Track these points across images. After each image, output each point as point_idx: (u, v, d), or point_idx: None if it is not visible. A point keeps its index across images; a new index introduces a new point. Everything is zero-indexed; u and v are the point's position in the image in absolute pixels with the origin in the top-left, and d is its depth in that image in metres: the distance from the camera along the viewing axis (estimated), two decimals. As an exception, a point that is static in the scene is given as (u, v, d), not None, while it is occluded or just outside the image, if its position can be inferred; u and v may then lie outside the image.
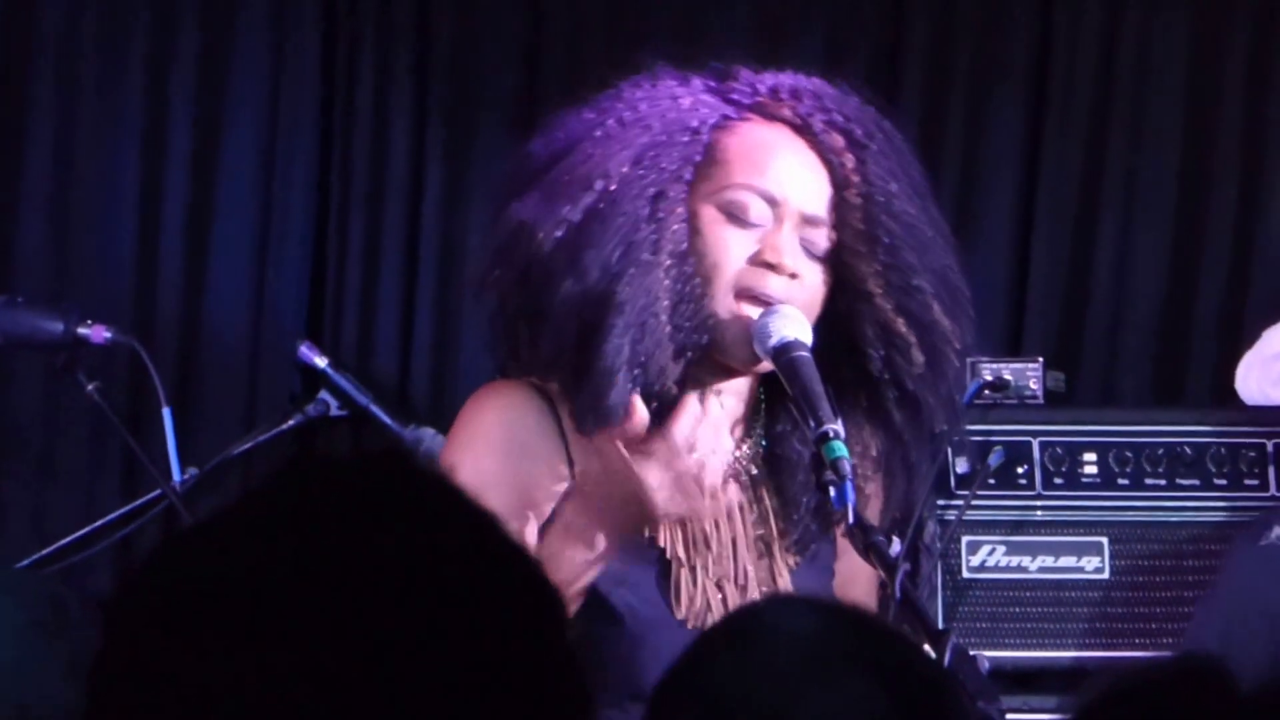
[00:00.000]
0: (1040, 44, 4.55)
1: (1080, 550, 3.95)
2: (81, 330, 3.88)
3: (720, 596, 2.77)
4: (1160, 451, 3.99)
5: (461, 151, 4.63)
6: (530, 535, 2.70)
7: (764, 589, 2.79)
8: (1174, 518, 3.87)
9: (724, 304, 2.69)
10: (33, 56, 4.57)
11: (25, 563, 3.99)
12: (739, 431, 2.77)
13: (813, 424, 2.61)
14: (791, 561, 2.80)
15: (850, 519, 2.57)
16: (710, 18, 4.50)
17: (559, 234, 2.67)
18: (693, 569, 2.76)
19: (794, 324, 2.66)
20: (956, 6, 4.57)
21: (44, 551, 4.04)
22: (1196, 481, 3.90)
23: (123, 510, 4.07)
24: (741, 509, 2.79)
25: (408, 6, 4.59)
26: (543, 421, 2.75)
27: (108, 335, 3.88)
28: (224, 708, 1.30)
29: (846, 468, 2.58)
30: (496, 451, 2.72)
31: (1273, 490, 3.87)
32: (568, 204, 2.68)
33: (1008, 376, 4.03)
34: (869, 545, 2.57)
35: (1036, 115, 4.55)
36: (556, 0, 4.62)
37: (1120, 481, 3.98)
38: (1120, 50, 4.55)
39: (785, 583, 2.79)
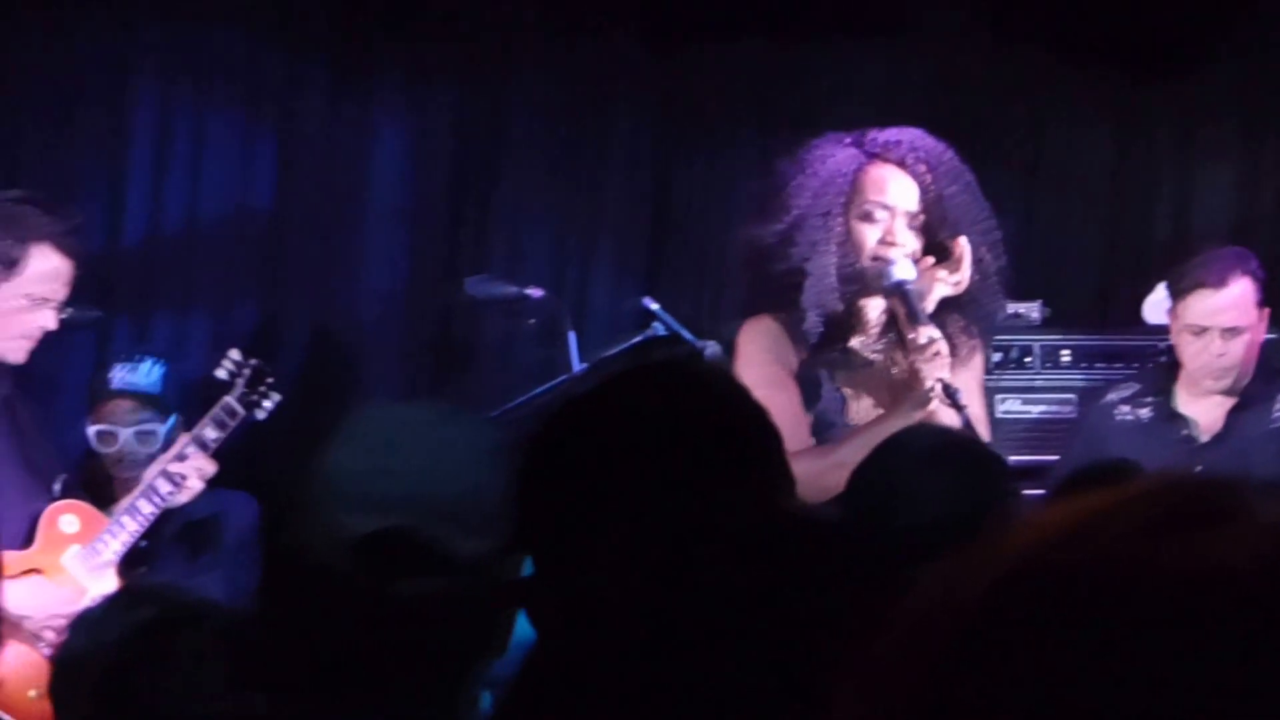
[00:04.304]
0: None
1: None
2: (526, 290, 4.81)
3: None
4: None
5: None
6: (790, 390, 3.40)
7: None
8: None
9: (867, 266, 3.52)
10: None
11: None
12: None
13: (919, 328, 3.39)
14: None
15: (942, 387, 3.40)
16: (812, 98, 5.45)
17: (774, 240, 3.52)
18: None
19: (904, 268, 3.50)
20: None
21: (498, 410, 4.50)
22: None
23: (545, 386, 4.64)
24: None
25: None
26: (779, 332, 3.52)
27: (540, 293, 4.82)
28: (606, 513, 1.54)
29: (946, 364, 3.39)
30: (761, 351, 3.50)
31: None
32: (778, 223, 3.53)
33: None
34: (950, 392, 3.41)
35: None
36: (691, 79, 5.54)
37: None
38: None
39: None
